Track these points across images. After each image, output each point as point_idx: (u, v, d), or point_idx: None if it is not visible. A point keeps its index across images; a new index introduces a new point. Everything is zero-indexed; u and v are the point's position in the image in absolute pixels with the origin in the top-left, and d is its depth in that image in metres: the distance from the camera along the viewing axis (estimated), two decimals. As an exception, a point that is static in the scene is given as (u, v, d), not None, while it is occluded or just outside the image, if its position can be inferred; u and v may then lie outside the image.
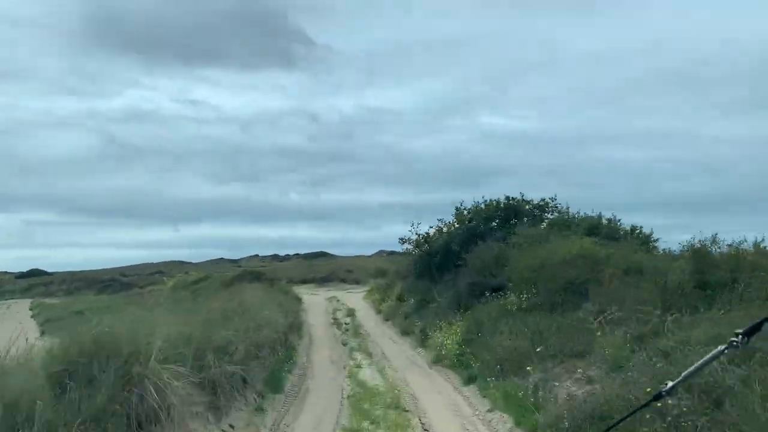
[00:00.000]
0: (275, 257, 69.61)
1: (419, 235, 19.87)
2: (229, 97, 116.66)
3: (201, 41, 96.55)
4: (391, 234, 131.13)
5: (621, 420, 2.74)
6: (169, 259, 68.12)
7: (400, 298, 20.61)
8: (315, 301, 26.70)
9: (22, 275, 68.27)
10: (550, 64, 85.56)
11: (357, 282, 35.76)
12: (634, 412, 2.67)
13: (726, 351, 1.76)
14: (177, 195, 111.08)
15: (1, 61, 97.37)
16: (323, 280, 37.93)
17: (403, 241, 20.50)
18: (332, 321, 20.88)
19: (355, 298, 28.28)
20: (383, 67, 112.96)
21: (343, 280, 37.87)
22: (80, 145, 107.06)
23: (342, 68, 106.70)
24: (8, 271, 71.17)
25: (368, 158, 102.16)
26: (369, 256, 51.20)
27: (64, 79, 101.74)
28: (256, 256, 72.48)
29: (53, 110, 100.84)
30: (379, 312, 22.38)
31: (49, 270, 68.30)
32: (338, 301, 27.43)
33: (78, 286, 53.73)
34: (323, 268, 41.97)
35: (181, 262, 65.24)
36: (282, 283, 29.54)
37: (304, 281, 36.08)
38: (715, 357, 1.80)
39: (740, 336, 1.73)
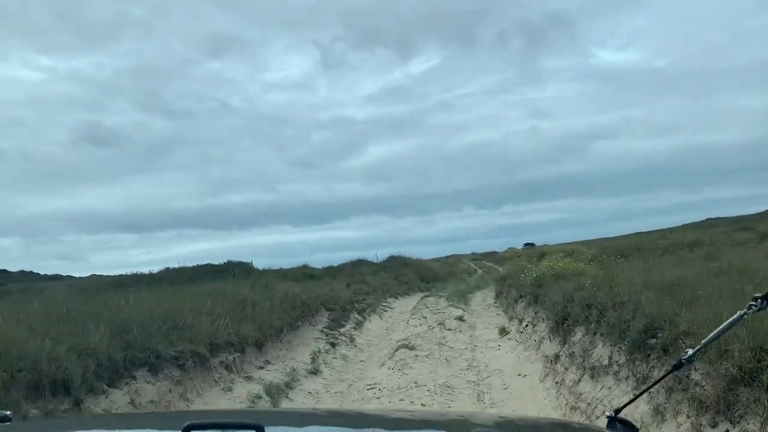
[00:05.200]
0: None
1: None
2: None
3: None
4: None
5: (643, 391, 2.34)
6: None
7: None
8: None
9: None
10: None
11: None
12: (657, 382, 2.46)
13: (745, 316, 1.73)
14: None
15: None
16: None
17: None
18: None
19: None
20: None
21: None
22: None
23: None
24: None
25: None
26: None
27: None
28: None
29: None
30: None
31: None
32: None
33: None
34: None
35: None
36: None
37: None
38: (735, 323, 1.77)
39: (759, 299, 1.69)
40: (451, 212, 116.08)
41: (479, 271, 43.87)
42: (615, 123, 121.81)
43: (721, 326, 1.81)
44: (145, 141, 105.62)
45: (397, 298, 19.85)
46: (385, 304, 17.79)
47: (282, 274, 23.56)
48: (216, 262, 23.99)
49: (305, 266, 28.42)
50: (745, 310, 1.72)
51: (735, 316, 1.76)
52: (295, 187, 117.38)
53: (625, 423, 1.76)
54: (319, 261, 27.79)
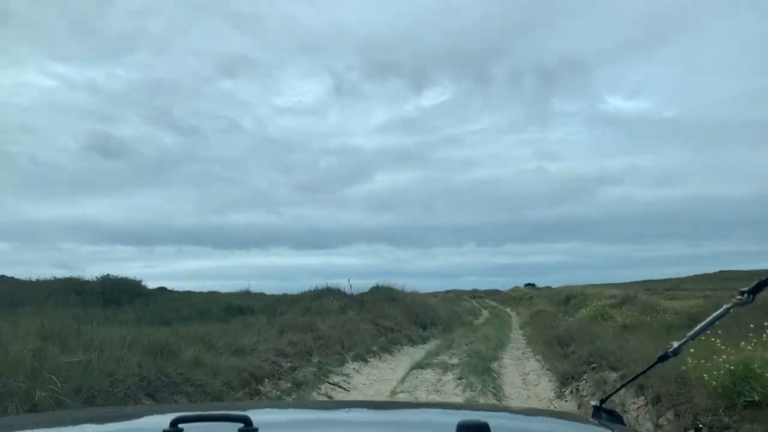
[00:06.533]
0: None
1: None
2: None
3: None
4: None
5: (630, 381, 2.42)
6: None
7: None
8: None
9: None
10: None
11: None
12: (642, 372, 2.32)
13: (731, 309, 1.69)
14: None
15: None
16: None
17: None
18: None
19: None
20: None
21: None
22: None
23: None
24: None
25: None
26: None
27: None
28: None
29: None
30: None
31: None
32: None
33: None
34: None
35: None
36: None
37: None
38: (721, 316, 1.74)
39: (745, 294, 1.63)
40: (452, 247, 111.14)
41: (485, 312, 35.26)
42: (621, 169, 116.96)
43: (707, 320, 1.79)
44: (153, 155, 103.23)
45: (367, 361, 11.11)
46: (337, 380, 9.08)
47: (187, 302, 14.91)
48: (87, 278, 15.32)
49: (246, 292, 19.70)
50: (731, 303, 1.69)
51: (721, 310, 1.73)
52: (298, 211, 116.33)
53: (610, 412, 1.78)
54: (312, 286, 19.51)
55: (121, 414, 2.15)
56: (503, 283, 66.07)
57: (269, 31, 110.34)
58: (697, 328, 1.78)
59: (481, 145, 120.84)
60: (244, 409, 1.35)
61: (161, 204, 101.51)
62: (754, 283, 1.62)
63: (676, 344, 1.80)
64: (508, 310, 39.45)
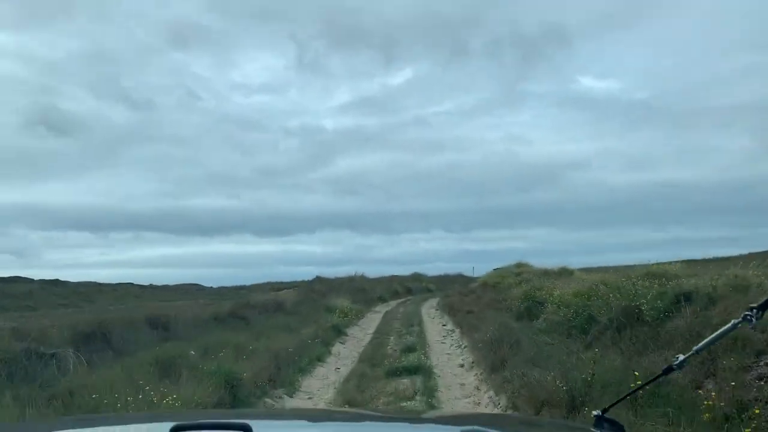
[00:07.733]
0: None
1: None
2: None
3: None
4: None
5: (632, 392, 2.55)
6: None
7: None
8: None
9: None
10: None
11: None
12: (646, 384, 2.46)
13: (739, 325, 1.69)
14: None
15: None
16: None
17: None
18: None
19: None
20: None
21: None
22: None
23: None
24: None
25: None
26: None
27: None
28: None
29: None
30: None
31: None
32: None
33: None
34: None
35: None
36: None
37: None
38: (728, 331, 1.75)
39: (754, 310, 1.62)
40: (419, 233, 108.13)
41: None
42: (591, 153, 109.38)
43: (714, 334, 1.78)
44: (103, 133, 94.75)
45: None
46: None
47: None
48: None
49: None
50: (740, 319, 1.67)
51: (728, 325, 1.71)
52: (259, 195, 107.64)
53: (612, 422, 1.76)
54: (281, 275, 10.71)
55: (121, 421, 2.11)
56: (472, 271, 43.23)
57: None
58: (704, 342, 1.80)
59: (448, 127, 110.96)
60: (245, 417, 1.35)
61: (115, 186, 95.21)
62: (763, 300, 1.60)
63: (681, 357, 1.78)
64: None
